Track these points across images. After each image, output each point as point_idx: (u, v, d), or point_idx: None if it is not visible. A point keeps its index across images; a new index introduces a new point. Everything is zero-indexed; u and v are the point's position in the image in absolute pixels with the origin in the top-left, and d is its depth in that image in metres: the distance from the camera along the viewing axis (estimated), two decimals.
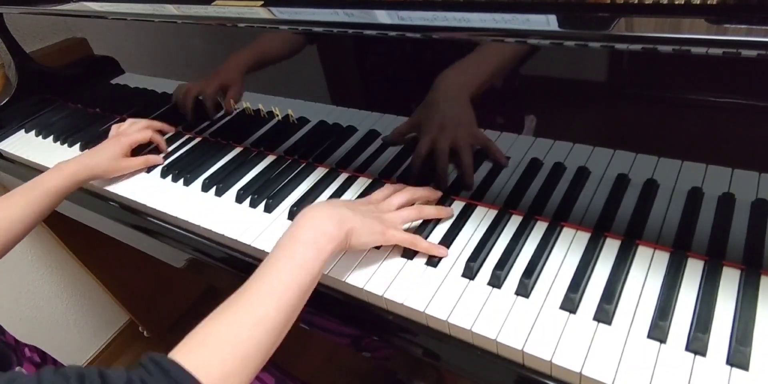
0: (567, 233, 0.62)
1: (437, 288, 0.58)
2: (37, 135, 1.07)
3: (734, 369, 0.46)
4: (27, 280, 1.35)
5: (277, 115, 0.82)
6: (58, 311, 1.45)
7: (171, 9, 0.78)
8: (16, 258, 1.31)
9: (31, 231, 0.74)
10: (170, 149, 0.93)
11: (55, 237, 1.28)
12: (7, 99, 1.13)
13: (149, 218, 0.82)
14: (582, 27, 0.50)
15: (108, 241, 0.99)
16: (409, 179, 0.73)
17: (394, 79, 0.68)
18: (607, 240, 0.60)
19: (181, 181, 0.84)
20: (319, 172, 0.80)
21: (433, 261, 0.61)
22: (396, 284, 0.60)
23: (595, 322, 0.52)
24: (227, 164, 0.86)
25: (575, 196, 0.61)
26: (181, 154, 0.91)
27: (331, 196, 0.75)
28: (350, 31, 0.63)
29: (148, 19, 0.81)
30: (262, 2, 0.71)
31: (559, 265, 0.58)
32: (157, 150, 0.92)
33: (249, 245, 0.69)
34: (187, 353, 0.45)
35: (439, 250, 0.62)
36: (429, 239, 0.65)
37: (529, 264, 0.58)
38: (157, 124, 0.94)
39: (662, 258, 0.57)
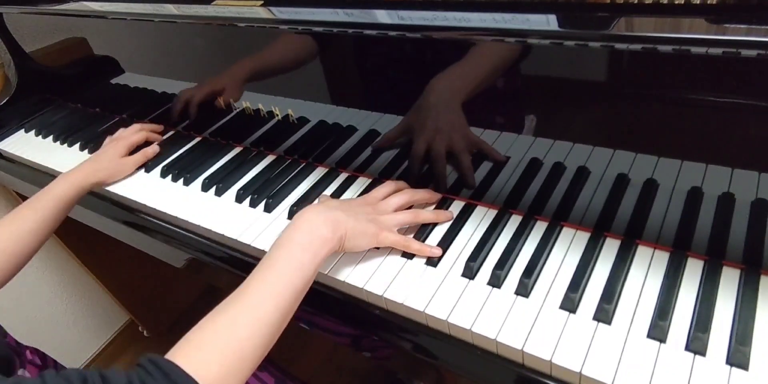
0: (567, 233, 0.62)
1: (437, 288, 0.58)
2: (37, 135, 1.07)
3: (734, 369, 0.46)
4: (27, 280, 1.35)
5: (277, 115, 0.82)
6: (58, 311, 1.45)
7: (171, 9, 0.78)
8: None
9: (44, 242, 0.75)
10: (170, 149, 0.92)
11: (55, 237, 1.28)
12: (6, 99, 1.13)
13: (149, 218, 0.82)
14: (582, 27, 0.50)
15: (108, 241, 0.99)
16: (408, 179, 0.73)
17: (394, 79, 0.68)
18: (606, 240, 0.60)
19: (181, 180, 0.84)
20: (319, 172, 0.80)
21: (433, 261, 0.61)
22: (396, 284, 0.60)
23: (595, 322, 0.52)
24: (227, 164, 0.86)
25: (575, 195, 0.61)
26: (181, 154, 0.91)
27: (331, 196, 0.75)
28: (350, 30, 0.63)
29: (148, 19, 0.81)
30: (262, 2, 0.71)
31: (559, 265, 0.58)
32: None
33: (249, 245, 0.69)
34: (186, 354, 0.45)
35: (432, 251, 0.62)
36: (429, 239, 0.65)
37: (528, 264, 0.58)
38: (149, 126, 0.96)
39: (662, 258, 0.57)
